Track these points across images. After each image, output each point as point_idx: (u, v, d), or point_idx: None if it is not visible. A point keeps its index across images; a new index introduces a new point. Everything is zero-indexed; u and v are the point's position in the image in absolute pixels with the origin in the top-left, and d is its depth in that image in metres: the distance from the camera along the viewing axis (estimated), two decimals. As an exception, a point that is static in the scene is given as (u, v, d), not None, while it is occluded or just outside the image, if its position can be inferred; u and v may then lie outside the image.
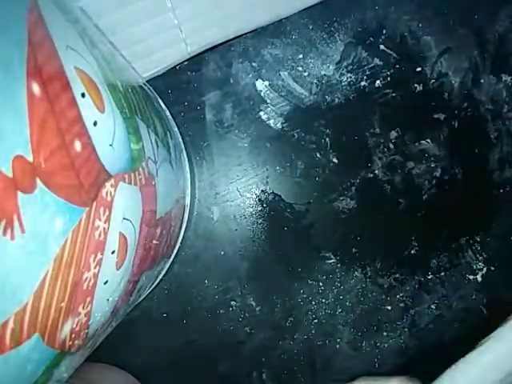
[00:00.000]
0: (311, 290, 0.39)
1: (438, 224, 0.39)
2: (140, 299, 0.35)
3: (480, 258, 0.39)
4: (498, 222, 0.39)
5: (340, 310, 0.39)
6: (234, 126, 0.38)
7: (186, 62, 0.38)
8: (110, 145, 0.20)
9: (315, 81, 0.38)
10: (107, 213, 0.20)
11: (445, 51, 0.38)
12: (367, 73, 0.38)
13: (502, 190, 0.39)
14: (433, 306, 0.39)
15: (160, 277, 0.37)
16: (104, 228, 0.19)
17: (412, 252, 0.39)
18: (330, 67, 0.38)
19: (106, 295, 0.22)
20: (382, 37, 0.38)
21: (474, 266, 0.39)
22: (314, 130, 0.38)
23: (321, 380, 0.39)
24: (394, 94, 0.38)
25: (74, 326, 0.19)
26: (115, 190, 0.20)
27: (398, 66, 0.38)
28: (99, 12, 0.31)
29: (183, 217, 0.37)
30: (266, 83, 0.38)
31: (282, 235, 0.39)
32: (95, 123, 0.19)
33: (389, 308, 0.39)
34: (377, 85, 0.38)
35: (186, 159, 0.38)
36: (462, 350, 0.39)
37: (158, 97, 0.36)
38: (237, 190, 0.39)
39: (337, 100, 0.38)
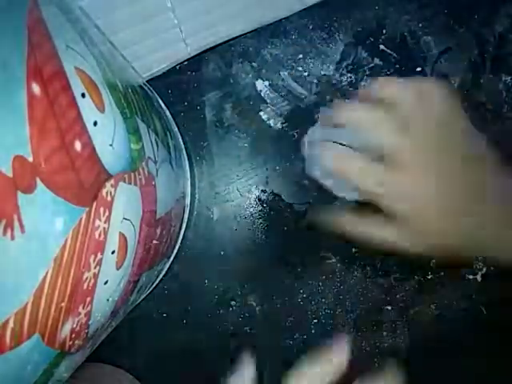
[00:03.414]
0: (311, 290, 0.39)
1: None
2: (140, 299, 0.35)
3: (480, 257, 0.39)
4: (498, 222, 0.39)
5: (340, 310, 0.39)
6: (234, 126, 0.38)
7: (185, 62, 0.38)
8: (110, 145, 0.20)
9: (315, 81, 0.38)
10: (107, 213, 0.20)
11: (445, 51, 0.38)
12: (367, 73, 0.38)
13: (501, 190, 0.39)
14: (433, 306, 0.39)
15: (160, 277, 0.37)
16: (104, 228, 0.19)
17: (412, 252, 0.39)
18: (330, 67, 0.38)
19: (106, 295, 0.22)
20: (382, 37, 0.38)
21: (474, 266, 0.39)
22: (313, 130, 0.38)
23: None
24: (393, 94, 0.38)
25: (74, 326, 0.19)
26: (115, 190, 0.20)
27: (397, 66, 0.38)
28: (99, 12, 0.31)
29: (183, 217, 0.37)
30: (266, 83, 0.38)
31: (282, 235, 0.39)
32: (95, 123, 0.19)
33: (389, 308, 0.39)
34: (377, 85, 0.38)
35: (186, 159, 0.38)
36: (461, 349, 0.39)
37: (157, 97, 0.36)
38: (237, 189, 0.39)
39: (337, 100, 0.38)
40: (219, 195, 0.39)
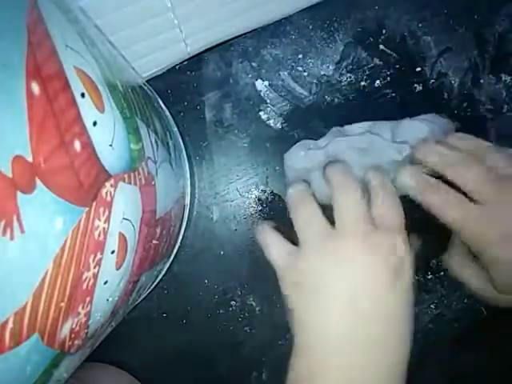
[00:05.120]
0: (311, 290, 0.39)
1: (438, 224, 0.39)
2: (140, 299, 0.35)
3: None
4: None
5: (340, 310, 0.39)
6: (233, 126, 0.38)
7: (185, 62, 0.38)
8: (110, 145, 0.20)
9: (315, 81, 0.38)
10: (107, 213, 0.20)
11: (445, 51, 0.38)
12: (367, 73, 0.38)
13: (501, 190, 0.39)
14: (433, 306, 0.39)
15: (160, 277, 0.37)
16: (104, 228, 0.19)
17: (412, 252, 0.39)
18: (330, 67, 0.38)
19: (106, 295, 0.22)
20: (382, 37, 0.38)
21: (474, 266, 0.39)
22: (314, 130, 0.38)
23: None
24: (393, 94, 0.38)
25: (74, 326, 0.19)
26: (115, 190, 0.20)
27: (397, 66, 0.38)
28: (99, 12, 0.31)
29: (183, 217, 0.37)
30: (266, 83, 0.38)
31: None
32: (95, 123, 0.19)
33: (389, 308, 0.39)
34: (376, 85, 0.38)
35: (186, 159, 0.38)
36: (461, 349, 0.39)
37: (157, 97, 0.36)
38: (237, 190, 0.39)
39: (337, 100, 0.38)
40: (219, 195, 0.39)
